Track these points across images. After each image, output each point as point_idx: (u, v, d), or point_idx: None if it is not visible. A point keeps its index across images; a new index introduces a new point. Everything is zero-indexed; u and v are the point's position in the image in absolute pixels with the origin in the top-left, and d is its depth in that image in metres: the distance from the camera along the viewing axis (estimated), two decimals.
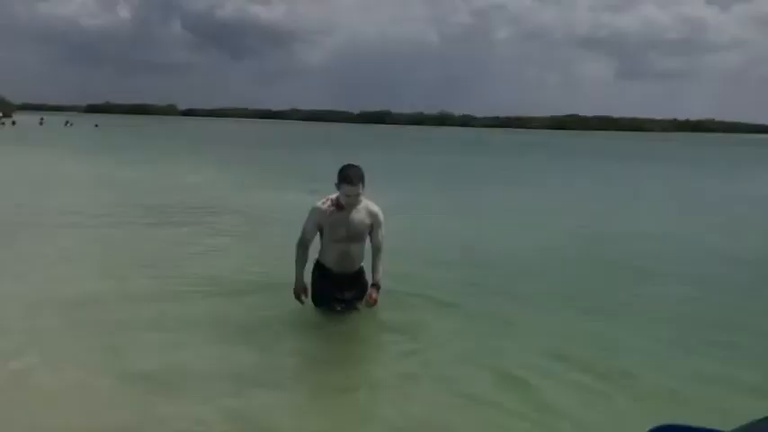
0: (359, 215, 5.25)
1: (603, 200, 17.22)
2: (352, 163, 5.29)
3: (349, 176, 5.07)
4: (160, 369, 4.56)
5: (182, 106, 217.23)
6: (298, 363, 5.04)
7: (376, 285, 5.46)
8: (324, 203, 5.27)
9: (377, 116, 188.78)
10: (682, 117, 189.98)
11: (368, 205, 5.34)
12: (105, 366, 4.58)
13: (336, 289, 5.53)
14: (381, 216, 5.40)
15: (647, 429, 0.72)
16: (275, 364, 4.78)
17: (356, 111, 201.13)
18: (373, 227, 5.36)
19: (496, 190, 19.10)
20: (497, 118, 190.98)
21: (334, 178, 5.29)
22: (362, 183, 5.14)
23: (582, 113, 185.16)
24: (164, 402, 4.04)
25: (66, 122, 72.23)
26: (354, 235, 5.29)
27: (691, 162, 39.43)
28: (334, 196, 5.27)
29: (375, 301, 5.47)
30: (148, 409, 3.96)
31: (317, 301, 5.59)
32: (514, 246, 9.63)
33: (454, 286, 6.93)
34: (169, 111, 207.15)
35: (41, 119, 73.71)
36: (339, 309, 5.54)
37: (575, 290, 7.14)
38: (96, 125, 70.49)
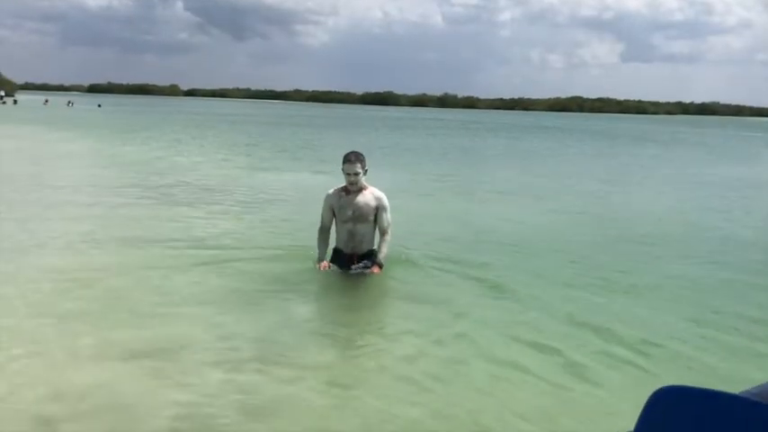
0: (364, 198, 5.75)
1: (610, 181, 17.28)
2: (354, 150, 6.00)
3: (348, 157, 5.71)
4: (167, 340, 4.63)
5: (184, 87, 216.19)
6: (305, 333, 5.10)
7: (378, 264, 5.92)
8: (333, 190, 5.91)
9: (379, 97, 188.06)
10: (687, 100, 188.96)
11: (373, 191, 5.84)
12: (111, 339, 4.64)
13: (347, 266, 5.94)
14: (386, 200, 5.85)
15: (653, 390, 0.76)
16: (282, 334, 4.87)
17: (359, 92, 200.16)
18: (378, 209, 5.79)
19: (503, 170, 19.16)
20: (501, 100, 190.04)
21: (338, 160, 5.71)
22: (362, 163, 5.70)
23: (586, 96, 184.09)
24: (170, 374, 4.11)
25: (69, 102, 72.06)
26: (360, 216, 5.75)
27: (696, 144, 39.36)
28: (343, 184, 5.85)
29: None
30: (154, 380, 4.02)
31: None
32: (525, 225, 9.74)
33: (464, 261, 7.02)
34: (172, 91, 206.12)
35: (46, 100, 73.41)
36: (350, 272, 5.93)
37: (586, 267, 7.22)
38: (99, 105, 70.41)
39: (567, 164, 22.62)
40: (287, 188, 13.06)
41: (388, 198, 5.93)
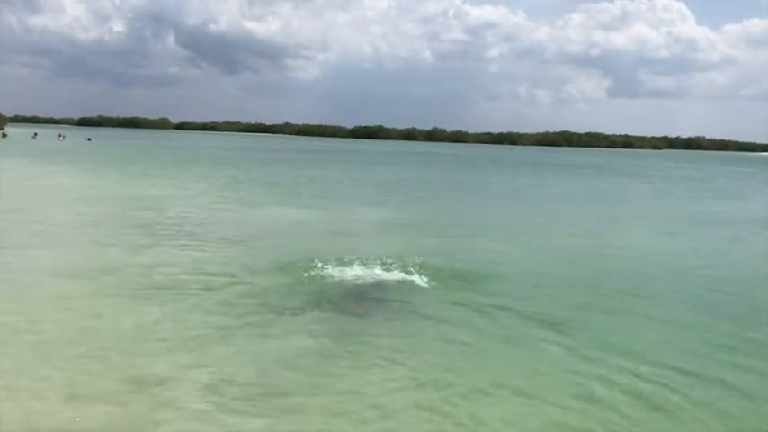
0: None
1: (600, 217, 17.24)
2: None
3: None
4: (148, 375, 4.60)
5: (174, 120, 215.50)
6: (294, 366, 5.01)
7: None
8: None
9: (369, 131, 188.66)
10: (672, 135, 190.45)
11: None
12: (91, 373, 4.62)
13: None
14: None
15: None
16: (269, 366, 4.83)
17: (349, 125, 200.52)
18: None
19: (506, 206, 19.11)
20: (489, 134, 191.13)
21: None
22: None
23: (574, 130, 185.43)
24: (150, 409, 4.08)
25: (59, 136, 71.70)
26: None
27: (687, 179, 39.61)
28: None
29: None
30: (134, 415, 3.98)
31: None
32: (533, 259, 9.78)
33: (469, 288, 7.37)
34: (162, 124, 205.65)
35: (35, 134, 72.83)
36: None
37: (585, 299, 7.30)
38: (89, 138, 70.14)
39: (569, 201, 22.58)
40: (275, 222, 12.94)
41: None
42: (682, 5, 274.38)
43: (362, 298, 6.82)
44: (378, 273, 8.10)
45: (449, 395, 4.47)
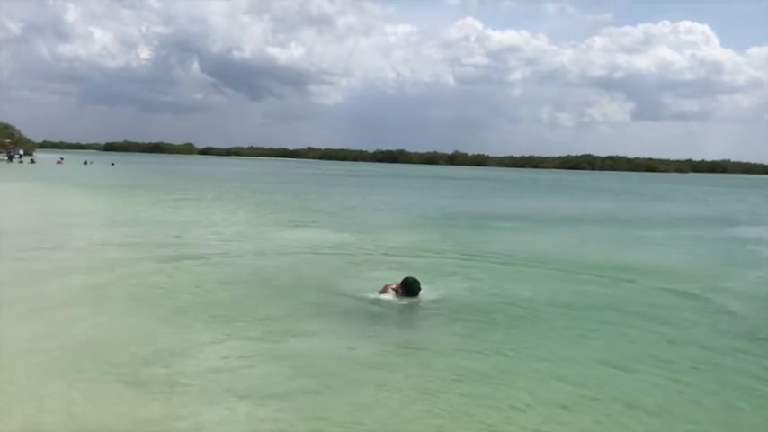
0: None
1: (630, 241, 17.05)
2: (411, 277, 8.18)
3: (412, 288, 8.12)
4: (177, 377, 4.84)
5: (199, 145, 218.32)
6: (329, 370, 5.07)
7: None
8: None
9: (391, 155, 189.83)
10: (697, 158, 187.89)
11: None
12: (113, 374, 4.86)
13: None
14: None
15: None
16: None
17: (371, 150, 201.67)
18: None
19: (515, 233, 18.98)
20: (511, 157, 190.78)
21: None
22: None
23: (596, 154, 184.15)
24: (165, 406, 4.26)
25: (85, 161, 73.23)
26: None
27: (711, 203, 39.02)
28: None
29: None
30: (164, 410, 4.18)
31: None
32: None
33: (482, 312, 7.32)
34: (186, 150, 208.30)
35: (61, 158, 74.39)
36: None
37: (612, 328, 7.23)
38: (113, 164, 71.52)
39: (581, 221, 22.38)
40: (316, 242, 13.18)
41: None
42: (705, 28, 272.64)
43: (408, 310, 7.22)
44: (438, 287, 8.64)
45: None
